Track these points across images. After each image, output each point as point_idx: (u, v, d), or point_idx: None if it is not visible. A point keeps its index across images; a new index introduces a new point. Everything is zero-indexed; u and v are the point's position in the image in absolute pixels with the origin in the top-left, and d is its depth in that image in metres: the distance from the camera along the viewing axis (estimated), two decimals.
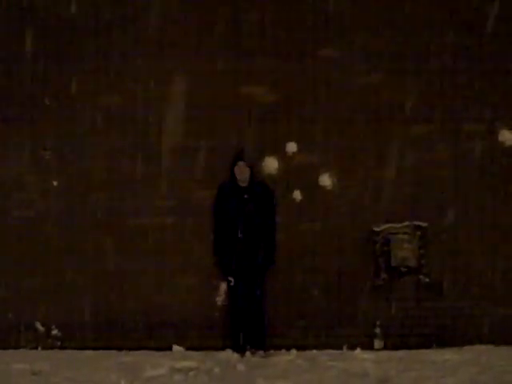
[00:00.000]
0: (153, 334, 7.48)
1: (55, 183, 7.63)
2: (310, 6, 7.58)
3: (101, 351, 7.23)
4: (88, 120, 7.60)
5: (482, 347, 7.28)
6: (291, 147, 7.65)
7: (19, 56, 7.61)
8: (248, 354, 6.92)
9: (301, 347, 7.25)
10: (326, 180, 7.63)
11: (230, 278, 7.03)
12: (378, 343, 7.45)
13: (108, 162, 7.59)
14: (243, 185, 7.08)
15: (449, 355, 6.94)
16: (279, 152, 7.61)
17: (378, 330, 7.47)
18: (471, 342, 7.38)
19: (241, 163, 7.04)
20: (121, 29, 7.57)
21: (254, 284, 7.00)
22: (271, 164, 7.63)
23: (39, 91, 7.61)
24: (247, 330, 7.01)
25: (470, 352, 7.10)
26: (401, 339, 7.48)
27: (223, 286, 7.26)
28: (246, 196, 7.04)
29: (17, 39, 7.60)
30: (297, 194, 7.61)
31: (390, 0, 7.59)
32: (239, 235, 6.99)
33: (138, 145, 7.60)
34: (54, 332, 7.56)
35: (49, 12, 7.59)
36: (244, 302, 6.98)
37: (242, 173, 7.04)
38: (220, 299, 7.30)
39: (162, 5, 7.60)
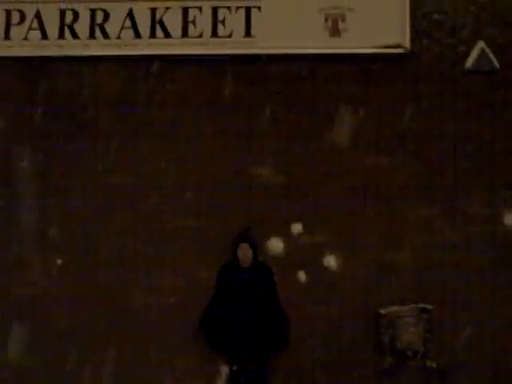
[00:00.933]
0: None
1: (59, 261, 7.63)
2: (320, 89, 7.74)
3: None
4: (95, 198, 7.67)
5: None
6: (296, 228, 7.66)
7: (28, 131, 7.74)
8: None
9: None
10: (330, 261, 7.60)
11: (233, 367, 6.90)
12: None
13: (112, 242, 7.61)
14: (245, 266, 7.04)
15: None
16: (284, 233, 7.62)
17: None
18: None
19: (244, 245, 7.02)
20: (132, 108, 7.72)
21: (259, 367, 6.85)
22: (276, 245, 7.62)
23: (46, 168, 7.70)
24: None
25: None
26: None
27: (224, 371, 7.12)
28: (247, 277, 6.98)
29: (24, 115, 7.75)
30: (301, 275, 7.57)
31: (401, 83, 7.72)
32: (241, 317, 6.90)
33: (142, 224, 7.64)
34: None
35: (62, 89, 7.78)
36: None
37: (245, 254, 7.02)
38: (221, 382, 7.14)
39: (175, 84, 7.77)
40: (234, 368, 6.92)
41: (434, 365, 7.36)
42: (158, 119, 7.75)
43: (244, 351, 6.89)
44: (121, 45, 7.73)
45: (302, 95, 7.74)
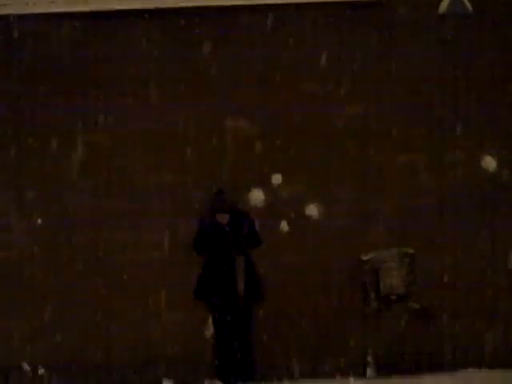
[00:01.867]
0: (142, 371, 7.36)
1: (39, 221, 7.58)
2: (294, 39, 7.69)
3: None
4: (73, 158, 7.61)
5: (475, 371, 7.23)
6: (276, 178, 7.67)
7: (2, 93, 7.64)
8: None
9: (293, 377, 7.17)
10: (312, 210, 7.65)
11: (215, 314, 6.97)
12: (370, 371, 7.38)
13: (93, 200, 7.57)
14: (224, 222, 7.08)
15: (442, 380, 6.88)
16: (265, 184, 7.63)
17: (369, 359, 7.41)
18: (463, 366, 7.34)
19: (219, 216, 7.04)
20: (105, 65, 7.63)
21: (240, 316, 6.93)
22: (257, 196, 7.64)
23: (24, 130, 7.61)
24: (235, 362, 6.92)
25: (462, 376, 7.04)
26: (393, 366, 7.42)
27: (210, 320, 7.19)
28: (227, 229, 7.03)
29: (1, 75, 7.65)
30: (283, 225, 7.61)
31: (376, 30, 7.70)
32: (224, 268, 6.94)
33: (124, 181, 7.60)
34: (41, 372, 7.42)
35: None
36: (230, 334, 6.93)
37: (223, 220, 7.06)
38: (208, 333, 7.21)
39: (141, 42, 7.63)
40: (216, 315, 6.98)
41: (418, 307, 7.49)
42: (133, 76, 7.64)
43: (227, 300, 6.94)
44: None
45: (277, 44, 7.66)
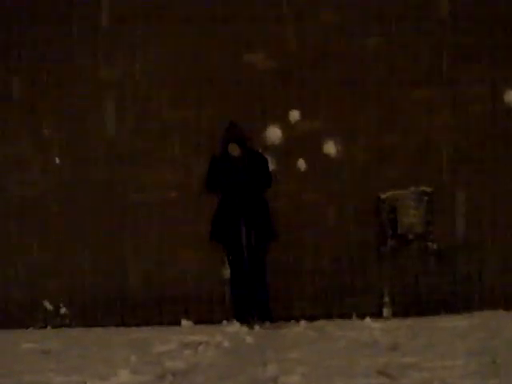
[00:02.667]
0: (161, 310, 7.44)
1: (57, 160, 7.56)
2: None
3: (110, 328, 7.22)
4: (88, 94, 7.50)
5: (491, 312, 7.26)
6: (294, 115, 7.55)
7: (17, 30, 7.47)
8: (257, 326, 6.92)
9: (310, 318, 7.23)
10: (329, 148, 7.55)
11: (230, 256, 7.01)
12: (386, 311, 7.42)
13: (109, 138, 7.51)
14: (236, 155, 6.99)
15: (458, 321, 6.91)
16: (282, 120, 7.52)
17: (386, 299, 7.44)
18: (480, 308, 7.36)
19: (231, 145, 6.94)
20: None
21: (256, 255, 6.97)
22: (274, 133, 7.54)
23: (38, 68, 7.49)
24: (252, 302, 7.00)
25: (479, 317, 7.07)
26: (409, 307, 7.46)
27: (226, 260, 7.23)
28: (239, 166, 6.96)
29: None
30: (301, 163, 7.54)
31: None
32: (236, 207, 6.93)
33: (140, 118, 7.51)
34: (63, 310, 7.55)
35: None
36: (246, 274, 6.97)
37: (234, 151, 6.96)
38: (226, 272, 7.26)
39: None
40: (230, 257, 7.03)
41: (435, 246, 7.48)
42: (147, 5, 7.44)
43: (241, 239, 6.96)
44: None
45: None
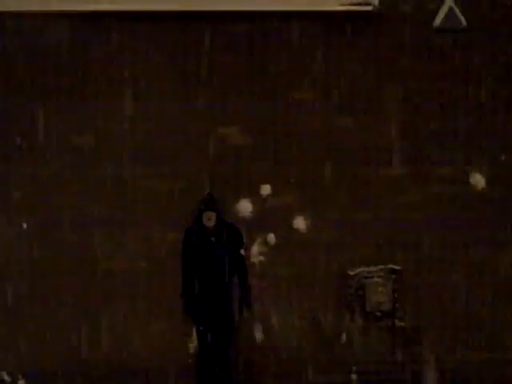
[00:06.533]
0: (126, 383, 7.30)
1: (24, 225, 7.47)
2: (284, 48, 7.61)
3: None
4: (59, 160, 7.49)
5: None
6: (265, 189, 7.62)
7: None
8: None
9: None
10: (300, 223, 7.60)
11: (200, 327, 6.91)
12: None
13: (80, 206, 7.47)
14: (210, 229, 6.99)
15: None
16: (253, 194, 7.57)
17: (354, 377, 7.39)
18: None
19: (208, 212, 6.95)
20: (95, 66, 7.50)
21: (225, 329, 6.88)
22: (245, 206, 7.58)
23: (10, 129, 7.48)
24: (215, 377, 6.88)
25: None
26: None
27: (194, 333, 7.13)
28: (213, 239, 6.95)
29: None
30: (271, 238, 7.56)
31: (364, 46, 7.66)
32: (209, 280, 6.88)
33: (111, 188, 7.51)
34: (21, 383, 7.33)
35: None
36: (213, 348, 6.88)
37: (210, 220, 6.96)
38: (193, 345, 7.14)
39: (134, 44, 7.55)
40: (201, 328, 6.94)
41: (402, 324, 7.49)
42: (118, 78, 7.53)
43: (211, 313, 6.89)
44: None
45: (269, 54, 7.59)
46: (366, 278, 7.47)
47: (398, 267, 7.51)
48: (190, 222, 7.09)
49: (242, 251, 7.04)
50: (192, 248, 6.95)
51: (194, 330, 7.04)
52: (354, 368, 7.39)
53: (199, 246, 6.94)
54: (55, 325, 7.37)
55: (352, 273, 7.48)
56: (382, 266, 7.50)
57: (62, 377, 7.28)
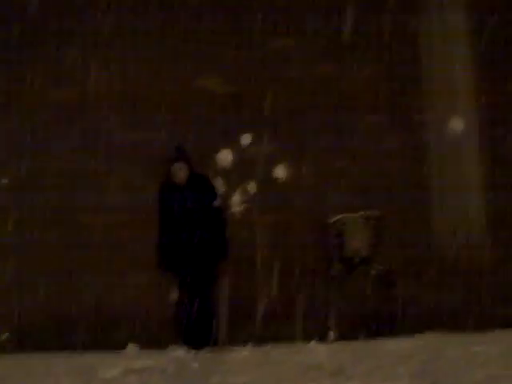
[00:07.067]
0: (107, 334, 7.42)
1: (5, 181, 7.52)
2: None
3: (54, 353, 7.15)
4: (37, 115, 7.48)
5: (434, 335, 7.41)
6: (245, 139, 7.64)
7: None
8: (203, 350, 6.95)
9: (256, 341, 7.30)
10: (279, 172, 7.65)
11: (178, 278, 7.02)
12: (332, 334, 7.53)
13: (57, 159, 7.48)
14: (181, 183, 7.00)
15: (402, 344, 7.04)
16: (233, 144, 7.59)
17: (332, 322, 7.54)
18: (423, 330, 7.52)
19: (178, 164, 6.92)
20: (73, 19, 7.41)
21: (203, 280, 7.00)
22: (225, 156, 7.61)
23: None
24: (198, 326, 7.01)
25: (422, 340, 7.22)
26: (355, 330, 7.58)
27: (175, 284, 7.23)
28: (185, 194, 6.98)
29: None
30: (251, 186, 7.62)
31: None
32: (184, 232, 6.95)
33: (88, 140, 7.51)
34: (5, 335, 7.46)
35: None
36: (194, 298, 6.96)
37: (180, 173, 6.92)
38: (174, 297, 7.26)
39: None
40: (178, 280, 7.01)
41: (381, 269, 7.61)
42: (100, 29, 7.46)
43: (188, 264, 6.97)
44: None
45: (249, 4, 7.51)
46: (345, 224, 7.56)
47: (376, 213, 7.59)
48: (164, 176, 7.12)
49: (216, 202, 7.09)
50: (165, 201, 7.00)
51: (174, 281, 7.16)
52: (332, 313, 7.51)
53: (171, 198, 6.97)
54: (35, 277, 7.44)
55: (331, 220, 7.57)
56: (361, 213, 7.58)
57: (43, 329, 7.39)
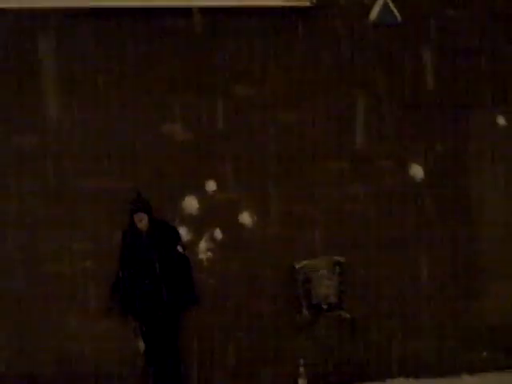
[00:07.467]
0: None
1: None
2: (221, 44, 7.62)
3: None
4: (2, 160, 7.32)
5: (402, 380, 7.45)
6: (210, 186, 7.63)
7: None
8: None
9: None
10: (245, 218, 7.65)
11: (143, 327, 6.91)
12: (302, 381, 7.45)
13: (21, 206, 7.32)
14: (143, 230, 6.98)
15: None
16: (199, 191, 7.56)
17: (301, 369, 7.47)
18: (392, 376, 7.55)
19: (138, 214, 6.93)
20: (35, 66, 7.34)
21: (168, 327, 6.89)
22: (190, 203, 7.57)
23: None
24: (165, 374, 6.88)
25: None
26: (325, 376, 7.55)
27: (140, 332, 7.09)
28: (146, 241, 6.94)
29: None
30: (217, 233, 7.58)
31: (304, 38, 7.74)
32: (146, 281, 6.87)
33: (52, 186, 7.38)
34: None
35: None
36: (159, 345, 6.88)
37: (141, 221, 6.95)
38: (142, 345, 7.10)
39: (77, 40, 7.41)
40: (144, 329, 6.96)
41: (348, 316, 7.62)
42: (61, 75, 7.39)
43: (152, 313, 6.89)
44: None
45: (209, 50, 7.59)
46: (312, 270, 7.58)
47: (342, 259, 7.64)
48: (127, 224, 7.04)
49: (180, 248, 7.02)
50: (126, 250, 6.93)
51: (139, 330, 7.02)
52: (302, 361, 7.47)
53: (132, 247, 6.92)
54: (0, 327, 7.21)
55: (298, 265, 7.58)
56: (327, 258, 7.61)
57: (6, 381, 7.13)
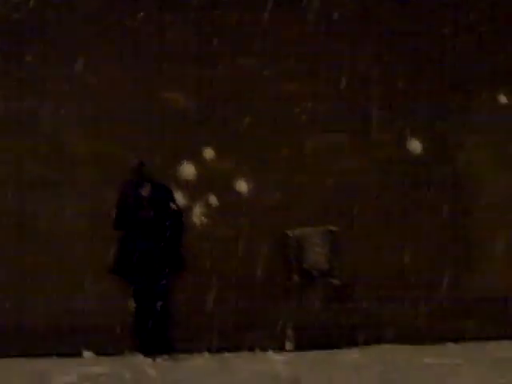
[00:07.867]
0: (63, 340, 7.38)
1: None
2: (227, 14, 7.68)
3: (9, 359, 7.10)
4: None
5: (388, 346, 7.54)
6: (208, 153, 7.74)
7: None
8: (160, 358, 6.98)
9: (213, 350, 7.35)
10: (241, 185, 7.76)
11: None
12: (289, 344, 7.59)
13: (18, 167, 7.51)
14: (146, 195, 7.14)
15: (357, 355, 7.15)
16: (196, 158, 7.69)
17: (289, 332, 7.61)
18: (378, 341, 7.64)
19: (146, 187, 7.08)
20: (35, 30, 7.49)
21: (159, 287, 7.06)
22: (188, 170, 7.70)
23: None
24: (153, 334, 7.05)
25: (377, 351, 7.34)
26: (312, 340, 7.67)
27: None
28: (145, 203, 7.10)
29: None
30: (213, 200, 7.71)
31: (309, 12, 7.75)
32: (141, 240, 7.03)
33: (49, 148, 7.54)
34: None
35: None
36: (149, 306, 7.03)
37: (145, 190, 7.12)
38: (132, 305, 7.28)
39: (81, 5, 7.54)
40: (135, 289, 7.10)
41: (338, 282, 7.73)
42: (57, 42, 7.52)
43: (144, 272, 7.05)
44: None
45: (215, 21, 7.65)
46: (304, 238, 7.68)
47: (334, 228, 7.73)
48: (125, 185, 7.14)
49: (173, 205, 7.15)
50: (128, 214, 7.09)
51: (131, 289, 7.20)
52: (290, 324, 7.59)
53: (134, 211, 7.08)
54: None
55: (291, 233, 7.69)
56: (319, 227, 7.71)
57: (4, 338, 7.35)
